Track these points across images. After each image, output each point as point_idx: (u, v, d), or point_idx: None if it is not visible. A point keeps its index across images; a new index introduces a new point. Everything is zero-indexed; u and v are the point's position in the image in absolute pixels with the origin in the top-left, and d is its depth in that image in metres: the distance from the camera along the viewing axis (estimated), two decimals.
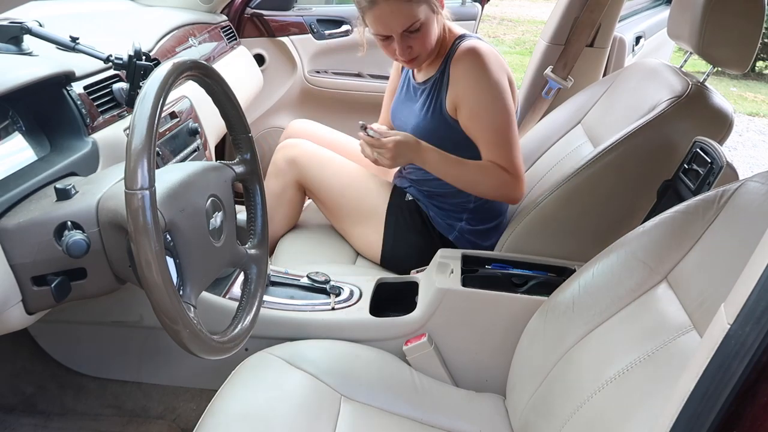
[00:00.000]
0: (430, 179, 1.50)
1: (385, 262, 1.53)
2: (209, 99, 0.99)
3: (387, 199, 1.54)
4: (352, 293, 1.29)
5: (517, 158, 1.38)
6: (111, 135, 1.11)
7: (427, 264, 1.33)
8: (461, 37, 1.44)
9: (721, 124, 1.26)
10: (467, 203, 1.50)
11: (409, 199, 1.55)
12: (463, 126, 1.41)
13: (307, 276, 1.31)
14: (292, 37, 2.35)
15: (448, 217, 1.52)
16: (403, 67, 1.60)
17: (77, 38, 1.13)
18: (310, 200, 1.75)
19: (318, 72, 2.41)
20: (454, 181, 1.42)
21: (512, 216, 1.53)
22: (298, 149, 1.59)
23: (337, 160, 1.59)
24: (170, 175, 0.87)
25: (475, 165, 1.40)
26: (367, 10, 1.33)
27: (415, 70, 1.52)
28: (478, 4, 2.45)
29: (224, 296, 1.23)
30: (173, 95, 1.39)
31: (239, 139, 1.04)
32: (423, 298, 1.24)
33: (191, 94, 1.49)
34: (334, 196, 1.56)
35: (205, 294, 1.17)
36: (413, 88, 1.52)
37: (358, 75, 2.41)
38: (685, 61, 1.47)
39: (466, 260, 1.30)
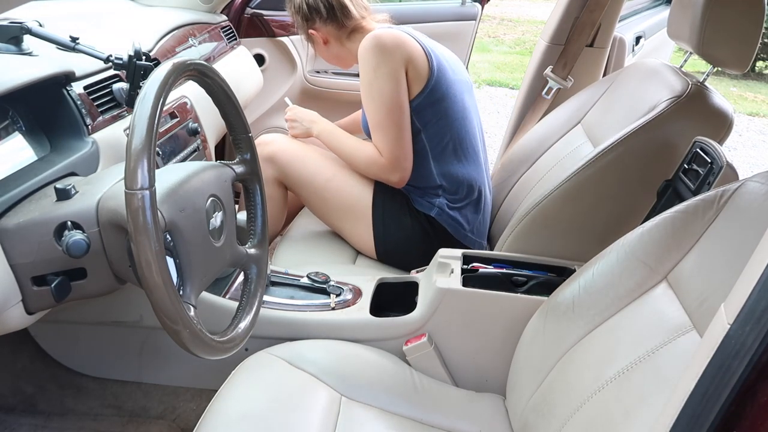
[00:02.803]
0: None
1: (381, 253, 1.55)
2: (209, 99, 0.99)
3: (371, 189, 1.55)
4: (352, 293, 1.29)
5: (390, 144, 1.45)
6: (111, 135, 1.11)
7: (422, 249, 1.35)
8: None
9: (721, 124, 1.26)
10: (432, 177, 1.53)
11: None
12: None
13: (307, 276, 1.31)
14: (292, 37, 2.35)
15: (426, 194, 1.54)
16: None
17: (77, 38, 1.13)
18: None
19: (318, 72, 2.41)
20: (338, 154, 1.56)
21: (512, 215, 1.53)
22: (273, 145, 1.58)
23: (317, 153, 1.59)
24: (170, 175, 0.87)
25: (354, 142, 1.53)
26: None
27: None
28: (478, 4, 2.44)
29: (224, 296, 1.23)
30: (173, 95, 1.39)
31: (239, 139, 1.04)
32: (423, 298, 1.24)
33: (191, 94, 1.49)
34: (318, 188, 1.55)
35: (205, 294, 1.17)
36: None
37: (358, 75, 2.41)
38: (685, 61, 1.47)
39: (466, 260, 1.30)
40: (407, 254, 1.50)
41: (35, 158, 0.99)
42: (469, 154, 1.55)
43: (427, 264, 1.35)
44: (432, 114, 1.48)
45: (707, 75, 1.32)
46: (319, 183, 1.55)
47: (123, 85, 1.16)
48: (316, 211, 1.61)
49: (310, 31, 1.61)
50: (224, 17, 2.12)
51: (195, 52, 1.72)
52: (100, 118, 1.11)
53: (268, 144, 1.59)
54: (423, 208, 1.53)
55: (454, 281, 1.21)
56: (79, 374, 1.33)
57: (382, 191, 1.54)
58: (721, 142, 1.23)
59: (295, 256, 1.55)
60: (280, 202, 1.64)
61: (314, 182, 1.55)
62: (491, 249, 1.61)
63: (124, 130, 1.15)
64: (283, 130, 2.40)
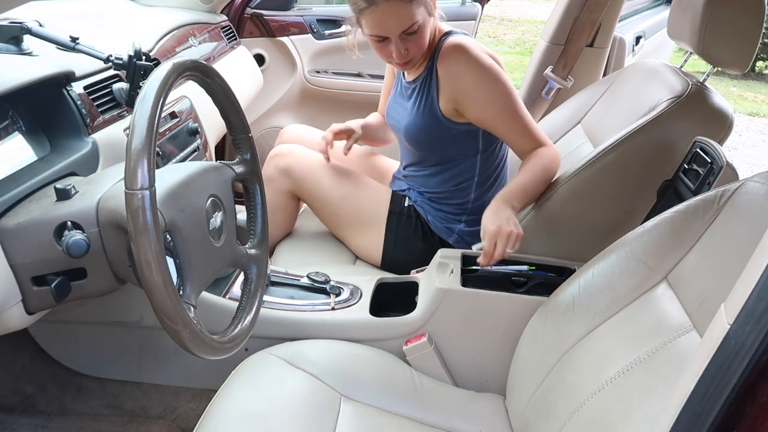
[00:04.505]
0: (428, 181, 1.51)
1: (386, 266, 1.53)
2: (209, 99, 0.99)
3: (387, 205, 1.52)
4: (352, 293, 1.29)
5: (537, 130, 1.40)
6: (111, 135, 1.11)
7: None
8: (446, 34, 1.44)
9: (721, 124, 1.26)
10: (466, 203, 1.50)
11: (408, 204, 1.54)
12: (476, 121, 1.40)
13: (307, 276, 1.31)
14: (292, 37, 2.35)
15: (447, 220, 1.52)
16: None
17: (77, 38, 1.13)
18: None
19: (318, 72, 2.41)
20: (538, 195, 1.36)
21: None
22: (291, 158, 1.56)
23: (333, 170, 1.56)
24: (170, 175, 0.87)
25: (530, 169, 1.36)
26: (365, 10, 1.31)
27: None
28: (478, 4, 2.45)
29: (224, 296, 1.23)
30: (173, 95, 1.39)
31: (239, 139, 1.04)
32: (423, 298, 1.24)
33: (191, 94, 1.49)
34: (332, 205, 1.54)
35: (205, 294, 1.17)
36: (404, 87, 1.52)
37: (358, 75, 2.41)
38: (685, 61, 1.47)
39: (466, 260, 1.30)
40: (412, 266, 1.44)
41: (35, 158, 0.99)
42: (504, 183, 1.52)
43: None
44: (495, 138, 1.45)
45: (707, 75, 1.32)
46: (333, 200, 1.53)
47: (123, 85, 1.16)
48: (327, 222, 1.59)
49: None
50: (224, 17, 2.12)
51: (195, 52, 1.72)
52: (100, 118, 1.11)
53: (286, 156, 1.57)
54: (441, 234, 1.51)
55: (454, 281, 1.21)
56: (79, 374, 1.33)
57: (398, 211, 1.52)
58: (721, 142, 1.23)
59: (295, 256, 1.55)
60: (291, 213, 1.62)
61: (328, 198, 1.54)
62: None
63: (124, 130, 1.15)
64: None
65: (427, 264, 1.34)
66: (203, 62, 0.92)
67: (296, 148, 1.60)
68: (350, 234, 1.55)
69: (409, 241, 1.51)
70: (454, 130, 1.42)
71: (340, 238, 1.60)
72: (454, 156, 1.47)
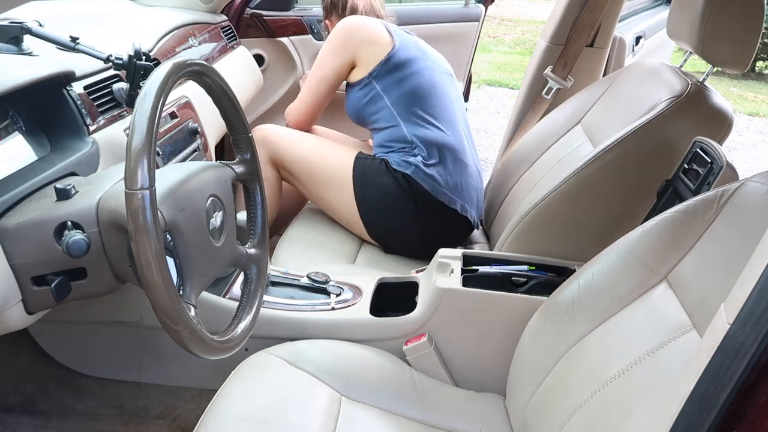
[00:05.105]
0: (377, 136, 1.70)
1: (364, 218, 1.62)
2: (209, 99, 0.99)
3: (353, 156, 1.67)
4: (352, 293, 1.29)
5: (302, 94, 1.77)
6: (111, 135, 1.11)
7: (402, 208, 1.52)
8: None
9: (721, 124, 1.26)
10: (403, 137, 1.64)
11: (372, 154, 1.68)
12: None
13: (307, 276, 1.31)
14: (291, 37, 2.35)
15: (401, 153, 1.64)
16: None
17: (77, 38, 1.12)
18: (309, 201, 1.77)
19: None
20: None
21: (512, 215, 1.53)
22: (266, 130, 1.73)
23: (306, 136, 1.76)
24: (170, 175, 0.87)
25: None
26: None
27: None
28: (481, 6, 2.45)
29: (224, 296, 1.23)
30: (173, 95, 1.39)
31: (239, 139, 1.04)
32: (423, 298, 1.24)
33: (191, 94, 1.49)
34: (303, 165, 1.68)
35: (205, 294, 1.17)
36: None
37: None
38: (685, 61, 1.47)
39: (466, 260, 1.30)
40: (389, 216, 1.62)
41: (35, 158, 0.99)
42: (442, 121, 1.66)
43: (409, 223, 1.57)
44: (392, 81, 1.66)
45: (707, 75, 1.32)
46: (305, 157, 1.68)
47: (123, 85, 1.16)
48: (304, 186, 1.71)
49: (326, 22, 1.90)
50: (224, 17, 2.12)
51: (195, 52, 1.72)
52: (100, 118, 1.11)
53: (260, 129, 1.74)
54: (400, 167, 1.62)
55: (454, 281, 1.21)
56: (79, 374, 1.33)
57: (362, 158, 1.66)
58: (721, 142, 1.23)
59: (295, 256, 1.55)
60: (274, 182, 1.74)
61: (301, 157, 1.69)
62: (491, 249, 1.61)
63: (124, 130, 1.15)
64: None
65: (400, 200, 1.55)
66: (203, 62, 0.92)
67: (272, 126, 1.77)
68: (324, 188, 1.68)
69: (375, 178, 1.63)
70: (354, 88, 1.71)
71: (315, 201, 1.74)
72: (366, 105, 1.70)
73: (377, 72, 1.66)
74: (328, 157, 1.69)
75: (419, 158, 1.62)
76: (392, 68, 1.66)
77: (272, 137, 1.71)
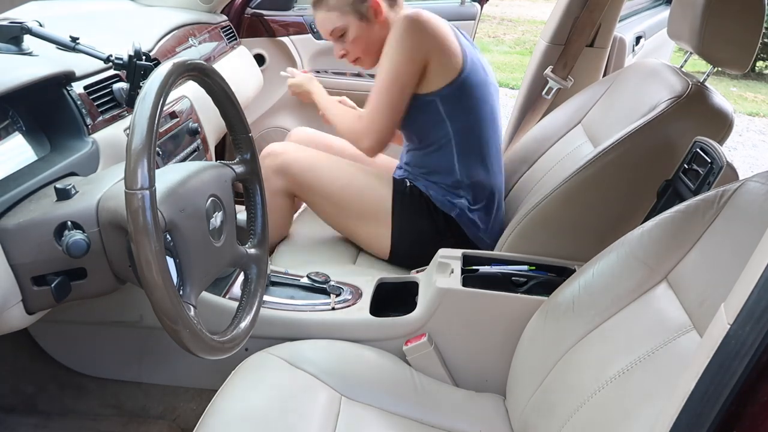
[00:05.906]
0: (416, 156, 1.56)
1: (394, 255, 1.53)
2: (209, 99, 0.99)
3: (390, 191, 1.52)
4: (352, 293, 1.29)
5: (376, 114, 1.46)
6: (111, 135, 1.11)
7: (434, 250, 1.34)
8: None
9: (721, 124, 1.26)
10: (455, 177, 1.51)
11: (409, 185, 1.55)
12: None
13: (307, 276, 1.31)
14: (292, 37, 2.35)
15: (447, 194, 1.52)
16: None
17: (77, 38, 1.12)
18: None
19: (318, 72, 2.40)
20: (328, 116, 1.61)
21: (512, 215, 1.53)
22: (285, 156, 1.53)
23: (330, 160, 1.55)
24: (170, 175, 0.87)
25: (341, 109, 1.61)
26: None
27: None
28: (477, 4, 2.44)
29: (224, 296, 1.23)
30: (173, 95, 1.39)
31: (239, 139, 1.04)
32: (423, 298, 1.24)
33: (191, 94, 1.49)
34: (333, 197, 1.52)
35: (205, 294, 1.17)
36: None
37: (358, 75, 2.41)
38: (685, 61, 1.47)
39: (466, 260, 1.30)
40: (419, 255, 1.43)
41: (35, 158, 0.99)
42: (494, 163, 1.54)
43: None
44: (460, 108, 1.47)
45: (707, 75, 1.32)
46: (335, 190, 1.51)
47: (123, 85, 1.16)
48: (328, 217, 1.57)
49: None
50: (224, 17, 2.12)
51: (195, 52, 1.72)
52: (100, 118, 1.11)
53: (279, 155, 1.54)
54: (444, 208, 1.52)
55: (454, 281, 1.21)
56: (79, 374, 1.33)
57: (401, 191, 1.52)
58: (721, 142, 1.23)
59: (295, 256, 1.55)
60: (287, 213, 1.61)
61: (329, 190, 1.52)
62: (491, 249, 1.61)
63: (124, 130, 1.15)
64: (283, 131, 2.40)
65: (436, 242, 1.39)
66: (203, 62, 0.92)
67: (289, 145, 1.59)
68: (356, 224, 1.54)
69: (415, 222, 1.51)
70: (412, 101, 1.47)
71: (344, 232, 1.59)
72: (423, 124, 1.51)
73: (446, 93, 1.45)
74: (363, 192, 1.51)
75: (464, 200, 1.51)
76: (463, 93, 1.46)
77: (293, 166, 1.52)
